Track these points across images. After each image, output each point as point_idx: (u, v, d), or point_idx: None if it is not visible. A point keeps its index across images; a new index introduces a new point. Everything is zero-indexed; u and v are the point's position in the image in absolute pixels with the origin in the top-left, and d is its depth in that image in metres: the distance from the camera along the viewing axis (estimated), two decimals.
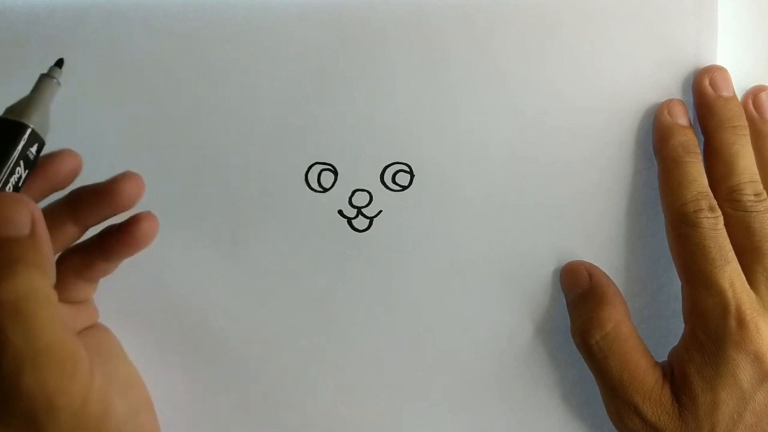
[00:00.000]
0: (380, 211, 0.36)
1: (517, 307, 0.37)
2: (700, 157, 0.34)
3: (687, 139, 0.35)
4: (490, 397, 0.37)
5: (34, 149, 0.28)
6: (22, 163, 0.28)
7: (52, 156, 0.30)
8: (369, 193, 0.36)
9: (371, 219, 0.36)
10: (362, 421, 0.37)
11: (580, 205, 0.36)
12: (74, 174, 0.30)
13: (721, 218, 0.33)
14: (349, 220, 0.36)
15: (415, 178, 0.36)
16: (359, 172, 0.36)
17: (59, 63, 0.29)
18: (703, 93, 0.35)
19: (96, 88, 0.35)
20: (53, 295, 0.27)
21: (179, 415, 0.36)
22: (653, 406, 0.33)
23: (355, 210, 0.36)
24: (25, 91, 0.35)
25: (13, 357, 0.25)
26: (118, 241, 0.31)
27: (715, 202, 0.33)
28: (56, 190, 0.30)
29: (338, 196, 0.36)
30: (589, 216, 0.36)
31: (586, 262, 0.36)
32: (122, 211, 0.30)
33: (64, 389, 0.26)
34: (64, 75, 0.35)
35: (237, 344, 0.36)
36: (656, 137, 0.35)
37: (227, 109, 0.36)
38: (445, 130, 0.36)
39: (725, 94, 0.35)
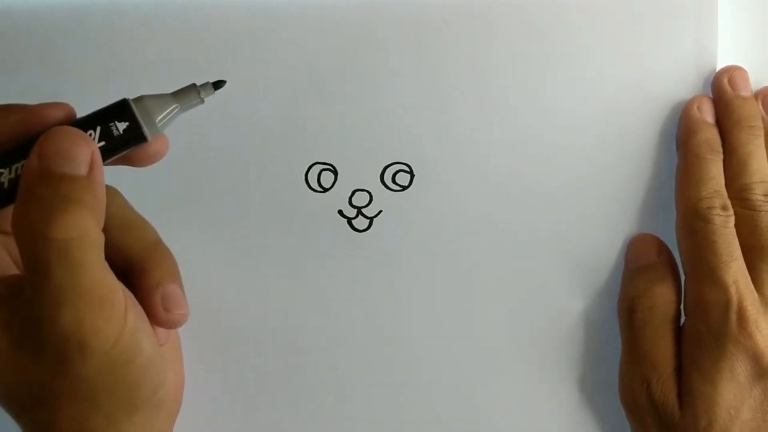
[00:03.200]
0: (380, 211, 0.36)
1: (517, 306, 0.36)
2: (721, 157, 0.35)
3: (712, 137, 0.35)
4: (490, 395, 0.37)
5: (121, 127, 0.27)
6: (98, 129, 0.27)
7: (44, 104, 0.28)
8: (369, 193, 0.36)
9: (371, 219, 0.36)
10: (362, 421, 0.37)
11: (581, 203, 0.36)
12: (50, 123, 0.28)
13: (732, 218, 0.34)
14: (349, 220, 0.36)
15: (415, 178, 0.36)
16: (359, 172, 0.36)
17: (218, 84, 0.29)
18: (721, 91, 0.35)
19: (96, 88, 0.35)
20: (101, 239, 0.26)
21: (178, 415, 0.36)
22: (663, 390, 0.33)
23: (355, 210, 0.36)
24: (25, 90, 0.35)
25: (54, 295, 0.25)
26: None
27: (728, 202, 0.34)
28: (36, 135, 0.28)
29: (338, 196, 0.36)
30: (590, 214, 0.36)
31: (659, 239, 0.36)
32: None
33: (98, 330, 0.26)
34: (65, 74, 0.35)
35: (236, 344, 0.36)
36: (683, 131, 0.35)
37: (227, 109, 0.35)
38: (445, 130, 0.36)
39: (743, 93, 0.35)
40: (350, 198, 0.36)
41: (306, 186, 0.36)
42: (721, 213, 0.33)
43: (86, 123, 0.27)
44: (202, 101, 0.29)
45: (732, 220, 0.34)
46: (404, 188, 0.36)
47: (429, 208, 0.36)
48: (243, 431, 0.37)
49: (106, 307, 0.26)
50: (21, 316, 0.26)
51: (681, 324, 0.35)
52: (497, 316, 0.37)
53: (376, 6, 0.35)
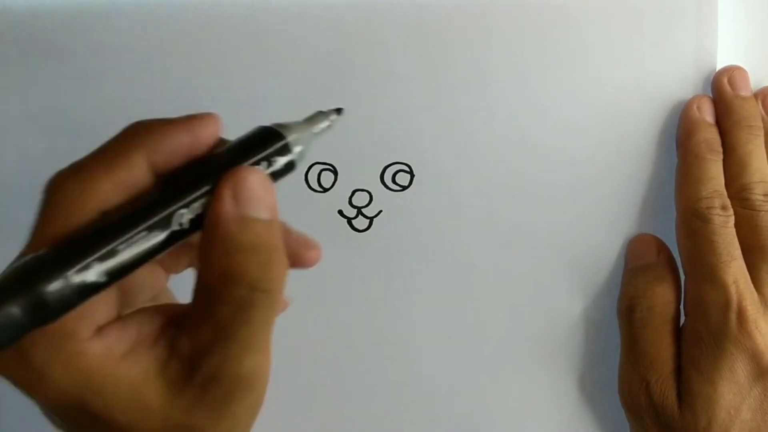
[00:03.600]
0: (380, 211, 0.36)
1: (517, 306, 0.36)
2: (721, 157, 0.35)
3: (711, 137, 0.35)
4: (490, 395, 0.37)
5: (282, 161, 0.25)
6: (263, 164, 0.25)
7: (196, 116, 0.25)
8: (369, 193, 0.36)
9: (371, 219, 0.36)
10: (362, 420, 0.37)
11: (581, 203, 0.36)
12: (213, 141, 0.25)
13: (732, 218, 0.34)
14: (349, 220, 0.36)
15: (415, 178, 0.36)
16: (359, 172, 0.36)
17: (339, 110, 0.27)
18: (721, 91, 0.35)
19: (96, 88, 0.35)
20: None
21: None
22: (662, 390, 0.33)
23: (355, 210, 0.36)
24: (24, 90, 0.35)
25: (246, 342, 0.24)
26: None
27: (728, 202, 0.34)
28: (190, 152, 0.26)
29: (338, 196, 0.36)
30: (590, 214, 0.36)
31: (659, 239, 0.36)
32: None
33: (266, 372, 0.26)
34: (65, 74, 0.35)
35: None
36: (682, 131, 0.35)
37: (227, 109, 0.35)
38: (445, 130, 0.36)
39: (743, 93, 0.35)
40: (350, 198, 0.36)
41: (306, 186, 0.36)
42: (720, 213, 0.33)
43: (255, 160, 0.25)
44: (330, 127, 0.27)
45: (732, 220, 0.34)
46: (404, 188, 0.36)
47: (429, 208, 0.36)
48: None
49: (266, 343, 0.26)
50: (185, 359, 0.24)
51: (681, 324, 0.35)
52: (497, 316, 0.37)
53: (376, 6, 0.35)
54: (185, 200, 0.23)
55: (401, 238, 0.36)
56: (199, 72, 0.35)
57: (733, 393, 0.32)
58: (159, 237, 0.23)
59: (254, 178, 0.24)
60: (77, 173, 0.24)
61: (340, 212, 0.36)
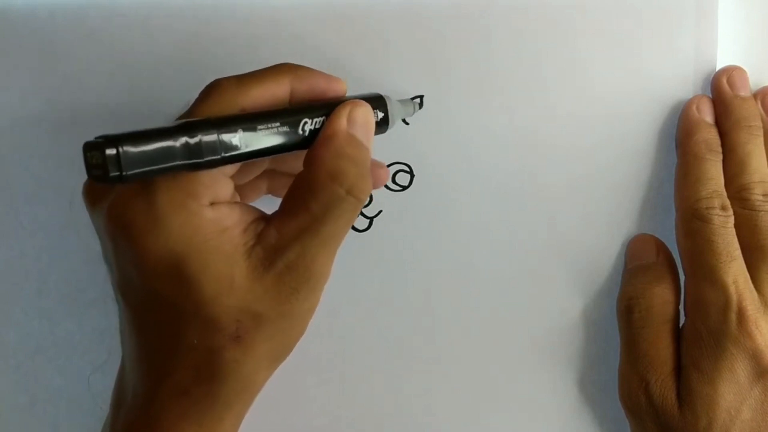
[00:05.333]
0: (380, 211, 0.36)
1: (517, 306, 0.37)
2: (721, 157, 0.35)
3: (711, 137, 0.35)
4: (490, 395, 0.37)
5: (379, 115, 0.32)
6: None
7: (334, 78, 0.31)
8: None
9: (371, 219, 0.36)
10: (361, 420, 0.37)
11: (581, 203, 0.36)
12: (340, 95, 0.31)
13: (732, 218, 0.34)
14: None
15: (415, 178, 0.36)
16: None
17: (421, 105, 0.36)
18: (720, 91, 0.35)
19: (96, 88, 0.35)
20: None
21: None
22: (662, 390, 0.33)
23: None
24: (23, 90, 0.35)
25: (327, 239, 0.29)
26: None
27: (728, 202, 0.34)
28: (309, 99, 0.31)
29: None
30: (590, 214, 0.36)
31: (658, 239, 0.36)
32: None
33: (327, 268, 0.30)
34: (65, 74, 0.35)
35: None
36: (681, 131, 0.36)
37: None
38: (445, 130, 0.36)
39: (742, 93, 0.35)
40: None
41: None
42: (720, 213, 0.33)
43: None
44: (411, 114, 0.35)
45: (731, 220, 0.34)
46: (404, 188, 0.36)
47: (429, 208, 0.36)
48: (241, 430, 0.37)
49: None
50: (269, 248, 0.28)
51: (681, 324, 0.35)
52: (497, 316, 0.37)
53: (376, 6, 0.35)
54: (311, 113, 0.29)
55: (401, 238, 0.36)
56: (198, 72, 0.35)
57: (733, 393, 0.32)
58: (287, 134, 0.29)
59: (365, 109, 0.30)
60: (235, 78, 0.29)
61: None
